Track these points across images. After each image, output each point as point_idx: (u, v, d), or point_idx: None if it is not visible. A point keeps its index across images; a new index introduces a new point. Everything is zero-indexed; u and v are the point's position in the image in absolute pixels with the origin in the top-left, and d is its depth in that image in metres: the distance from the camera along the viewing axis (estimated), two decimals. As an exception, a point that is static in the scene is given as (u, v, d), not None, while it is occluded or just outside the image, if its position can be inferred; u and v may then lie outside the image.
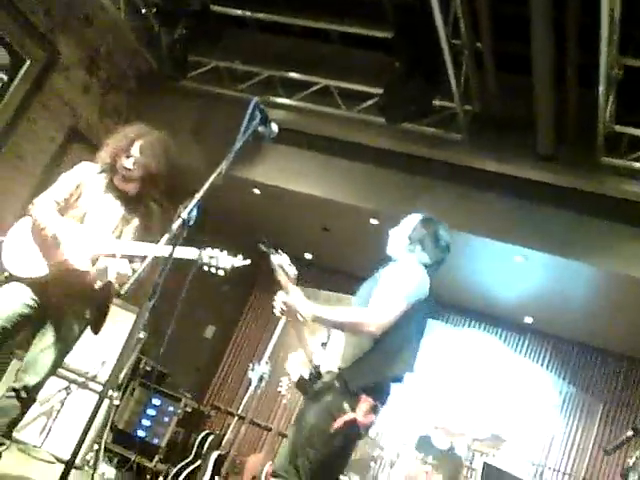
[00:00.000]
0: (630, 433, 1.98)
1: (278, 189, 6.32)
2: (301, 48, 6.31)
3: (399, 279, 3.03)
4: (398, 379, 3.07)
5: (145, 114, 6.82)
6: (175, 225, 2.57)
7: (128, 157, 3.52)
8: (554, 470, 6.65)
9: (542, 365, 7.30)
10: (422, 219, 3.29)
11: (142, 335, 5.85)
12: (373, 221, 6.17)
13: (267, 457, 4.97)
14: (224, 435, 5.46)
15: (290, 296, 3.01)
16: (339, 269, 7.77)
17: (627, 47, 4.63)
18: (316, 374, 3.15)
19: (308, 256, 7.99)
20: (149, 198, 3.63)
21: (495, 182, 5.52)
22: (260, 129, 2.94)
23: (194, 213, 2.62)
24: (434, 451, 5.88)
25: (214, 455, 5.19)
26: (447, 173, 5.69)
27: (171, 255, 2.61)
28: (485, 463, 5.25)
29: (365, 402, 2.89)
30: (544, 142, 5.17)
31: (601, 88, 4.52)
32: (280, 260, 3.11)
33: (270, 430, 5.27)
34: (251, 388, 5.37)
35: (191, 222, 2.61)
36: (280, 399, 5.32)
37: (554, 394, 7.11)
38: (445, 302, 7.53)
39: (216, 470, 5.07)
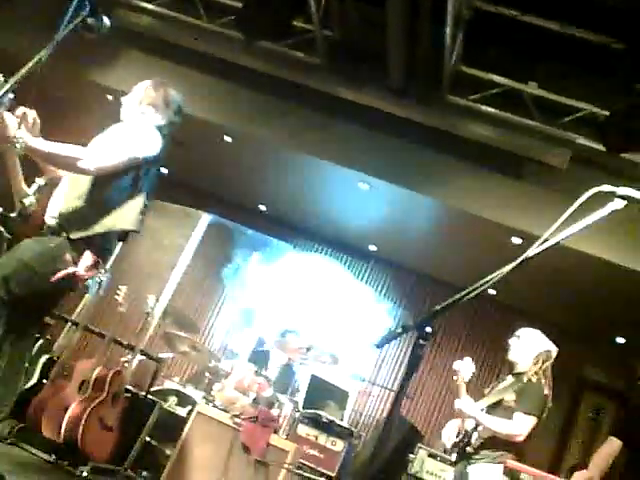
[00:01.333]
0: (399, 330, 2.18)
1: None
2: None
3: (127, 133, 3.08)
4: (121, 236, 3.14)
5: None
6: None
7: None
8: (381, 387, 7.13)
9: (381, 291, 7.71)
10: (153, 83, 3.34)
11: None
12: (227, 138, 6.17)
13: (98, 362, 4.99)
14: (55, 340, 5.42)
15: (4, 123, 2.78)
16: (191, 184, 7.71)
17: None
18: (23, 213, 3.18)
19: (163, 170, 7.87)
20: None
21: (347, 110, 5.67)
22: (89, 21, 2.83)
23: (7, 97, 2.57)
24: (269, 364, 6.13)
25: (43, 359, 5.14)
26: (302, 97, 5.76)
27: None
28: (312, 375, 5.53)
29: (88, 257, 2.95)
30: (394, 76, 5.33)
31: (448, 28, 4.70)
32: None
33: (104, 337, 5.26)
34: (87, 296, 5.34)
35: (2, 108, 2.57)
36: (116, 307, 5.32)
37: (388, 318, 7.56)
38: (295, 226, 7.75)
39: (44, 374, 5.04)
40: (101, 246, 3.02)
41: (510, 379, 3.95)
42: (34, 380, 4.96)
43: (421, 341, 2.19)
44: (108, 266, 5.15)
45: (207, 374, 6.08)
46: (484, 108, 5.47)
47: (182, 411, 5.47)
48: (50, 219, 3.01)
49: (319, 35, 5.49)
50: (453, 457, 3.92)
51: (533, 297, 6.91)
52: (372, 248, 7.57)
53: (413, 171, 5.69)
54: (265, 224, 7.78)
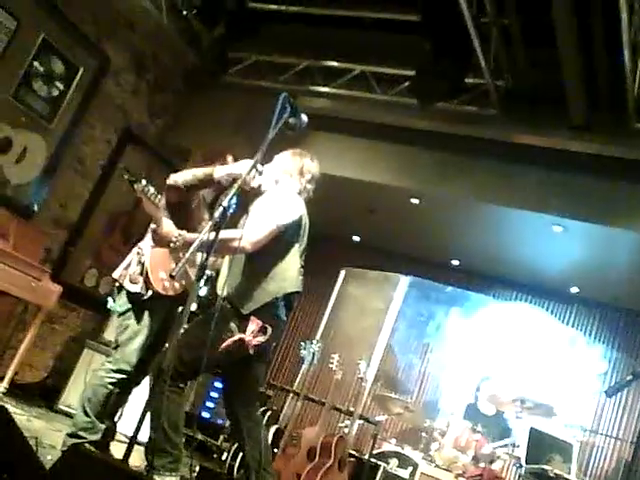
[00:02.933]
0: (630, 377, 2.15)
1: (322, 175, 6.53)
2: (335, 36, 6.46)
3: (270, 205, 3.30)
4: (286, 300, 3.31)
5: (192, 111, 7.17)
6: (217, 213, 2.84)
7: None
8: (605, 435, 6.73)
9: (590, 333, 7.36)
10: (291, 152, 3.59)
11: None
12: (414, 200, 6.35)
13: (321, 429, 5.25)
14: (281, 410, 5.76)
15: (160, 225, 3.10)
16: (386, 249, 7.97)
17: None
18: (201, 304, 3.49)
19: (356, 238, 8.22)
20: None
21: (530, 155, 5.62)
22: (291, 121, 3.16)
23: (234, 201, 2.88)
24: (482, 418, 6.06)
25: (272, 429, 5.49)
26: (483, 149, 5.80)
27: (215, 239, 2.87)
28: (532, 428, 5.38)
29: (254, 323, 3.14)
30: (576, 112, 5.22)
31: (626, 55, 4.57)
32: (145, 189, 3.07)
33: (324, 404, 5.53)
34: (304, 366, 5.65)
35: (231, 210, 2.88)
36: (331, 374, 5.59)
37: (602, 362, 7.16)
38: (491, 276, 7.69)
39: (275, 443, 5.36)
40: (266, 312, 3.23)
41: None
42: (266, 450, 5.30)
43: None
44: (318, 336, 5.52)
45: (423, 434, 6.14)
46: (676, 130, 5.20)
47: (404, 473, 5.56)
48: (219, 297, 3.26)
49: (491, 86, 5.56)
50: None
51: None
52: (574, 290, 7.30)
53: (608, 207, 5.47)
54: (461, 278, 7.80)
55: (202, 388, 7.00)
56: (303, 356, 5.66)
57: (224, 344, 3.13)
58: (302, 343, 5.71)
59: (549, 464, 5.66)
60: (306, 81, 6.55)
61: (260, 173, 3.38)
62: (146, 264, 3.71)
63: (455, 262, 7.75)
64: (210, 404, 7.12)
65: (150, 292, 3.71)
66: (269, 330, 3.22)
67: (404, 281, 6.92)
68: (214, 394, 7.12)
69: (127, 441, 5.07)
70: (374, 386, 6.23)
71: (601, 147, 5.40)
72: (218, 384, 7.12)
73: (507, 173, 5.77)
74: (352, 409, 5.87)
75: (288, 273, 3.33)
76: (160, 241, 3.16)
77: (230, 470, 5.31)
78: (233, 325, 3.16)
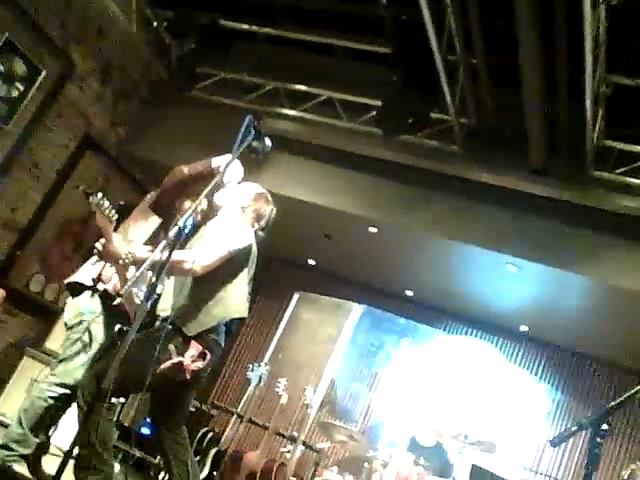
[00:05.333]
0: (575, 428, 2.16)
1: (282, 197, 6.47)
2: (306, 61, 6.50)
3: (222, 229, 3.29)
4: (228, 326, 3.28)
5: (155, 123, 7.09)
6: (172, 232, 2.77)
7: None
8: (545, 475, 6.78)
9: (536, 373, 7.45)
10: (256, 193, 3.57)
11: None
12: (372, 229, 6.37)
13: (262, 454, 5.17)
14: (223, 432, 5.66)
15: (110, 241, 3.04)
16: (341, 275, 7.97)
17: (616, 64, 4.81)
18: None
19: (311, 262, 8.19)
20: None
21: (489, 193, 5.70)
22: (254, 144, 3.13)
23: (190, 221, 2.83)
24: (423, 450, 6.04)
25: (213, 451, 5.39)
26: (443, 184, 5.87)
27: (168, 259, 2.80)
28: (473, 465, 5.37)
29: (193, 347, 3.08)
30: (535, 156, 5.34)
31: (588, 104, 4.68)
32: (100, 202, 3.03)
33: (267, 429, 5.46)
34: (250, 388, 5.58)
35: (186, 230, 2.82)
36: (277, 398, 5.52)
37: (546, 401, 7.25)
38: (443, 309, 7.73)
39: (215, 466, 5.27)
40: (208, 336, 3.17)
41: None
42: (205, 473, 5.20)
43: (598, 439, 2.15)
44: (266, 359, 5.45)
45: (365, 464, 6.09)
46: (631, 180, 5.34)
47: (344, 502, 5.50)
48: (162, 316, 3.21)
49: (455, 123, 5.64)
50: None
51: None
52: (523, 328, 7.39)
53: (562, 250, 5.57)
54: (413, 309, 7.82)
55: (144, 404, 6.83)
56: (250, 378, 5.59)
57: (162, 366, 3.04)
58: (250, 365, 5.64)
59: (488, 501, 5.66)
60: (273, 102, 6.54)
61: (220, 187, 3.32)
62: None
63: (409, 293, 7.78)
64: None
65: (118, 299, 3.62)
66: (208, 356, 3.15)
67: (357, 309, 6.92)
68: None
69: (61, 455, 4.91)
70: (319, 413, 6.17)
71: (558, 192, 5.51)
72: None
73: (465, 210, 5.83)
74: (295, 434, 5.79)
75: (235, 298, 3.29)
76: (107, 256, 3.08)
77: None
78: (172, 347, 3.09)
